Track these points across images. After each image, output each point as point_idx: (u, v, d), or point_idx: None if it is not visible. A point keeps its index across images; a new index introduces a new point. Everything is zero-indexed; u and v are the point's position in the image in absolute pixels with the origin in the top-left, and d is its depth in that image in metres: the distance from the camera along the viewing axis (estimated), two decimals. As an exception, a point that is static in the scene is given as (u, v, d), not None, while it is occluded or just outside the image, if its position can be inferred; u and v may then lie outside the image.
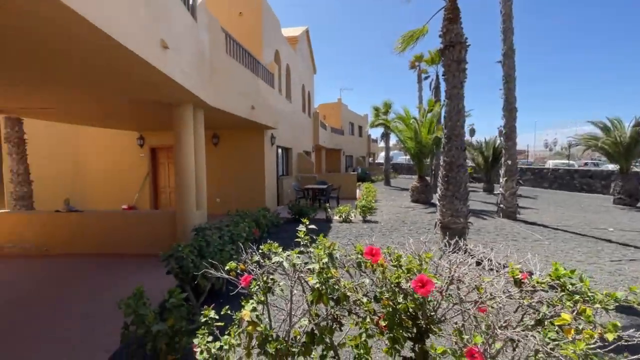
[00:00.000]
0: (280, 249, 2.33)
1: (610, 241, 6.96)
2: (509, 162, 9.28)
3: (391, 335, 2.08)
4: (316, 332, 2.20)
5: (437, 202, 5.69)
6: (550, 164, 26.92)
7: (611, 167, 20.28)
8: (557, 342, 1.43)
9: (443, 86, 5.68)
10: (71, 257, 5.66)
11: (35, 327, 3.26)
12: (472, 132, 32.02)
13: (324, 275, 2.10)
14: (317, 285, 2.04)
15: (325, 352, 2.22)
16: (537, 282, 1.90)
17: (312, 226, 2.31)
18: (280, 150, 12.35)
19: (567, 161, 26.01)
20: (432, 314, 2.06)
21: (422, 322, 2.10)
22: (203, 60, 5.38)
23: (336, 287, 2.12)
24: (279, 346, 2.12)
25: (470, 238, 7.00)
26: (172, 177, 10.08)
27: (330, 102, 28.29)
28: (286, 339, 2.19)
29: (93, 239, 5.91)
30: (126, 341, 2.25)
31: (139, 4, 3.18)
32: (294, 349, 2.18)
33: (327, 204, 9.33)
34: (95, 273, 4.95)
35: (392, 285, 2.13)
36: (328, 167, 25.25)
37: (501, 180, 9.50)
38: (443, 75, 5.56)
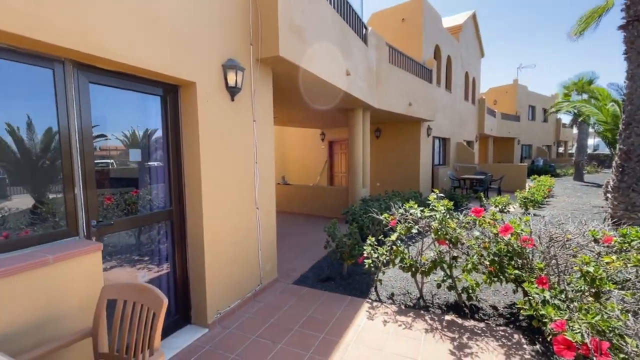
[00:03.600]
0: (416, 205, 3.63)
1: None
2: None
3: (494, 271, 3.04)
4: (437, 259, 3.39)
5: (609, 195, 5.24)
6: None
7: None
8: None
9: None
10: (286, 214, 8.73)
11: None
12: None
13: (443, 222, 3.27)
14: (437, 226, 3.24)
15: (445, 278, 3.41)
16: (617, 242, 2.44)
17: (441, 195, 3.50)
18: (437, 141, 12.88)
19: None
20: (520, 256, 2.89)
21: (515, 261, 2.96)
22: (371, 73, 7.03)
23: (451, 231, 3.26)
24: (411, 262, 3.46)
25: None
26: (344, 164, 12.64)
27: (503, 85, 25.11)
28: (417, 260, 3.51)
29: (298, 203, 8.84)
30: (327, 248, 4.15)
31: (337, 54, 5.05)
32: (422, 268, 3.46)
33: (482, 194, 9.37)
34: (302, 223, 7.64)
35: (493, 234, 3.08)
36: (497, 157, 22.90)
37: None
38: (624, 53, 5.00)
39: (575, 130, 22.98)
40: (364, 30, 6.66)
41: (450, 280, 3.35)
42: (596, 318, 1.53)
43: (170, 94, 2.92)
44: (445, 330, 2.97)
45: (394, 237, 3.46)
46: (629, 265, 1.97)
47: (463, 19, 15.11)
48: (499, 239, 2.96)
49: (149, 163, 2.95)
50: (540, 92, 26.90)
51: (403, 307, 3.44)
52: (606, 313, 1.53)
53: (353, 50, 5.91)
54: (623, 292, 1.76)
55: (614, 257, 2.10)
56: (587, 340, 1.54)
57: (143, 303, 1.66)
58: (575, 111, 12.11)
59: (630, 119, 4.89)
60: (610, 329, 1.48)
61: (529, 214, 8.19)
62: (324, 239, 4.62)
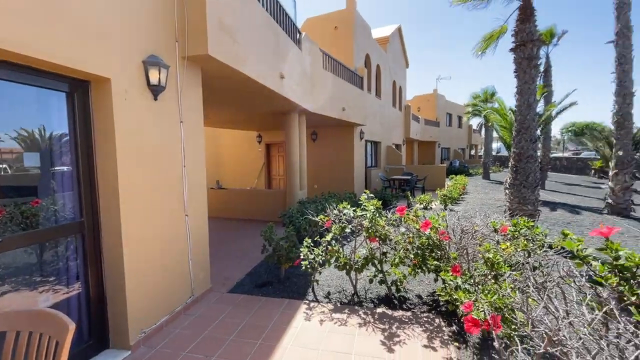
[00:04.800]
0: (349, 206, 3.78)
1: None
2: (621, 152, 8.39)
3: (417, 263, 3.31)
4: (369, 256, 3.58)
5: (506, 190, 6.16)
6: None
7: None
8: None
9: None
10: (222, 220, 8.35)
11: (210, 256, 5.56)
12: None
13: (373, 221, 3.46)
14: (368, 225, 3.42)
15: (376, 273, 3.61)
16: (512, 232, 2.86)
17: (371, 196, 3.69)
18: (369, 144, 13.66)
19: None
20: (438, 248, 3.21)
21: (436, 253, 3.26)
22: (306, 78, 7.15)
23: (380, 229, 3.47)
24: (345, 261, 3.59)
25: (552, 228, 7.03)
26: (281, 167, 12.60)
27: (425, 94, 27.80)
28: (351, 259, 3.66)
29: (234, 207, 8.52)
30: (264, 253, 4.09)
31: (270, 56, 5.02)
32: (356, 265, 3.62)
33: (408, 193, 10.23)
34: (239, 228, 7.38)
35: (416, 229, 3.35)
36: (421, 159, 25.17)
37: (610, 173, 8.66)
38: (514, 72, 5.96)
39: (482, 135, 26.53)
40: (298, 34, 6.76)
41: (381, 275, 3.58)
42: (494, 297, 1.81)
43: (79, 90, 2.58)
44: (377, 322, 3.16)
45: (329, 237, 3.58)
46: (518, 249, 2.36)
47: (390, 31, 16.33)
48: (421, 234, 3.27)
49: (55, 168, 2.57)
50: (455, 101, 30.42)
51: (339, 304, 3.57)
52: (501, 292, 1.82)
53: (287, 54, 5.95)
54: (515, 272, 2.11)
55: (508, 243, 2.50)
56: (487, 317, 1.80)
57: (43, 332, 1.43)
58: (483, 118, 13.99)
59: (520, 126, 5.85)
60: (504, 305, 1.75)
61: (447, 209, 9.19)
62: (261, 243, 4.54)
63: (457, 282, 2.39)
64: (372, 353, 2.67)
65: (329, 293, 3.84)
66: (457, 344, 2.74)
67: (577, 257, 1.65)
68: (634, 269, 1.46)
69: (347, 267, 3.58)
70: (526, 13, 5.75)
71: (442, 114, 27.91)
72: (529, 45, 5.67)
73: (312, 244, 3.83)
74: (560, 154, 30.63)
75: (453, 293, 2.29)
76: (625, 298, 1.42)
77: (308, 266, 3.61)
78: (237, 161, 13.35)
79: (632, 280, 1.44)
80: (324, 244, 3.63)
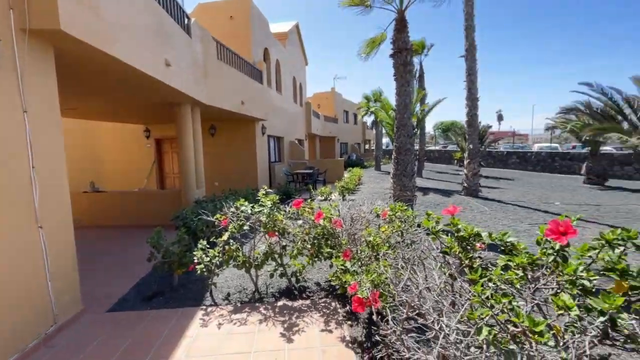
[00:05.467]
0: (246, 203, 3.69)
1: (547, 212, 8.27)
2: (471, 146, 10.52)
3: (313, 252, 3.43)
4: (268, 251, 3.57)
5: (391, 180, 7.02)
6: (536, 147, 27.91)
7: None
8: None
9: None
10: (100, 228, 7.09)
11: (87, 271, 4.69)
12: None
13: (271, 216, 3.46)
14: (265, 220, 3.40)
15: (276, 267, 3.63)
16: (393, 215, 3.23)
17: (270, 191, 3.67)
18: (272, 139, 13.64)
19: (549, 144, 27.06)
20: (333, 236, 3.41)
21: (331, 241, 3.45)
22: (197, 67, 6.63)
23: (278, 224, 3.49)
24: (244, 259, 3.50)
25: (425, 210, 8.36)
26: (175, 164, 11.46)
27: (324, 92, 29.28)
28: (250, 256, 3.59)
29: (118, 213, 7.35)
30: (152, 262, 3.65)
31: (151, 40, 4.44)
32: (255, 262, 3.56)
33: (311, 186, 10.67)
34: (122, 236, 6.39)
35: (311, 221, 3.47)
36: (323, 153, 26.50)
37: (465, 162, 10.77)
38: (394, 75, 6.78)
39: (374, 131, 29.54)
40: (186, 20, 6.19)
41: (281, 269, 3.63)
42: (373, 276, 2.04)
43: None
44: (278, 315, 3.20)
45: (225, 237, 3.42)
46: (394, 231, 2.72)
47: (288, 27, 16.52)
48: (317, 224, 3.43)
49: None
50: (351, 100, 32.99)
51: (239, 304, 3.47)
52: (378, 271, 2.06)
53: (174, 40, 5.40)
54: (391, 251, 2.43)
55: (386, 226, 2.85)
56: (369, 295, 2.01)
57: None
58: (373, 116, 15.56)
59: (399, 123, 6.73)
60: (381, 282, 2.00)
61: (345, 199, 9.94)
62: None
63: (345, 266, 2.61)
64: (272, 347, 2.69)
65: (228, 294, 3.69)
66: (349, 322, 2.99)
67: (432, 233, 1.99)
68: (469, 238, 1.85)
69: (247, 265, 3.50)
70: (401, 24, 6.58)
71: (340, 111, 29.92)
72: (404, 52, 6.52)
73: (207, 246, 3.60)
74: (433, 147, 36.59)
75: (342, 277, 2.49)
76: (463, 262, 1.79)
77: (204, 270, 3.38)
78: (121, 159, 11.55)
79: (468, 247, 1.82)
80: (220, 245, 3.46)
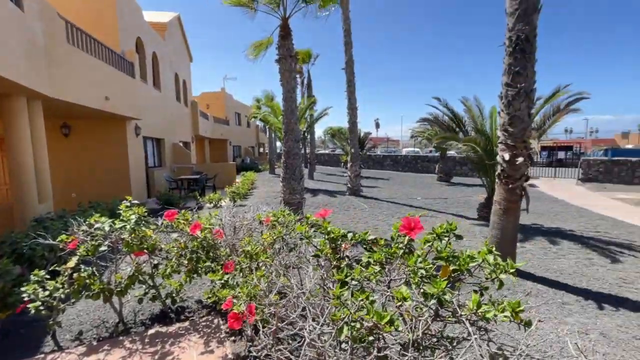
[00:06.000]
0: (103, 218, 3.09)
1: (411, 206, 9.79)
2: (352, 150, 11.63)
3: (192, 268, 3.10)
4: (135, 273, 3.06)
5: (281, 183, 7.08)
6: (404, 151, 32.95)
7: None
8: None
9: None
10: None
11: None
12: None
13: (136, 232, 2.97)
14: (128, 238, 2.90)
15: (146, 290, 3.14)
16: (275, 222, 3.19)
17: (135, 202, 3.15)
18: (149, 141, 12.05)
19: (413, 149, 32.51)
20: (214, 248, 3.16)
21: (212, 253, 3.18)
22: (36, 51, 5.26)
23: (147, 240, 3.02)
24: (101, 287, 2.91)
25: (314, 211, 8.79)
26: (7, 171, 8.85)
27: (213, 92, 27.70)
28: (110, 282, 3.00)
29: None
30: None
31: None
32: (118, 288, 3.00)
33: (197, 193, 9.87)
34: None
35: (188, 233, 3.13)
36: (214, 157, 24.98)
37: (349, 165, 11.82)
38: (280, 81, 6.88)
39: (267, 135, 29.59)
40: (15, -13, 4.83)
41: (153, 291, 3.16)
42: (249, 288, 1.96)
43: None
44: (148, 346, 2.77)
45: (72, 262, 2.77)
46: (275, 237, 2.71)
47: (168, 18, 14.92)
48: (195, 237, 3.12)
49: None
50: (243, 102, 32.20)
51: (95, 342, 2.86)
52: (253, 282, 1.99)
53: (-9, 10, 4.13)
54: (269, 259, 2.39)
55: (268, 233, 2.82)
56: (245, 308, 1.91)
57: None
58: (266, 118, 15.50)
59: (287, 128, 6.86)
60: (256, 293, 1.93)
61: (236, 205, 9.56)
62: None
63: (223, 280, 2.44)
64: (137, 386, 2.29)
65: (81, 332, 3.00)
66: (232, 338, 2.82)
67: (305, 238, 2.05)
68: (338, 240, 1.97)
69: (106, 293, 2.91)
70: (285, 31, 6.73)
71: (232, 113, 28.81)
72: (289, 59, 6.69)
73: (46, 277, 2.84)
74: (323, 151, 39.10)
75: (219, 293, 2.32)
76: (332, 263, 1.90)
77: (41, 308, 2.65)
78: None
79: (337, 248, 1.94)
80: (65, 273, 2.78)
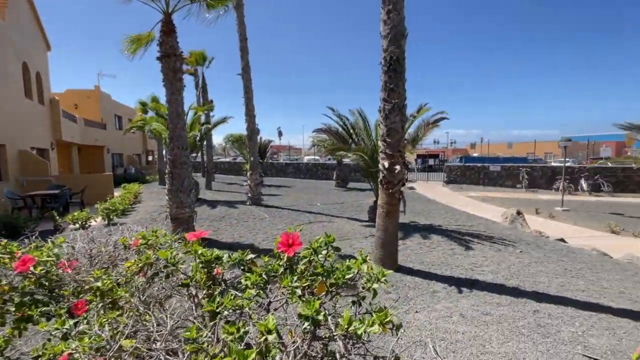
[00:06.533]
0: None
1: (311, 212, 10.02)
2: (252, 158, 11.30)
3: (24, 315, 2.32)
4: None
5: (167, 197, 6.27)
6: (306, 159, 34.14)
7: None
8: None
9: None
10: None
11: None
12: (257, 130, 35.96)
13: None
14: None
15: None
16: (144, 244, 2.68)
17: None
18: (-20, 148, 9.18)
19: (314, 157, 34.05)
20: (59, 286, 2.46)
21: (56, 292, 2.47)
22: None
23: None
24: None
25: (211, 224, 8.13)
26: None
27: (84, 89, 23.25)
28: None
29: None
30: None
31: None
32: None
33: (54, 212, 7.95)
34: None
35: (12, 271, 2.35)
36: (86, 167, 20.84)
37: (249, 174, 11.42)
38: (163, 81, 6.12)
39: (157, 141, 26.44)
40: None
41: (-44, 357, 2.25)
42: (91, 338, 1.53)
43: None
44: None
45: None
46: (139, 264, 2.26)
47: (9, -7, 11.79)
48: (27, 275, 2.37)
49: None
50: (126, 103, 28.00)
51: None
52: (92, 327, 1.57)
53: None
54: (128, 295, 1.96)
55: (132, 260, 2.34)
56: (85, 365, 1.47)
57: None
58: (150, 123, 13.69)
59: (172, 134, 6.13)
60: (100, 344, 1.53)
61: (111, 224, 8.06)
62: None
63: (65, 328, 1.88)
64: None
65: None
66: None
67: (171, 264, 1.73)
68: (212, 263, 1.74)
69: None
70: (168, 27, 6.05)
71: (110, 116, 24.68)
72: (173, 58, 6.02)
73: None
74: (225, 159, 37.19)
75: (50, 350, 1.77)
76: (204, 290, 1.65)
77: None
78: None
79: (209, 273, 1.70)
80: None
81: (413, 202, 13.11)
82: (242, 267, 1.78)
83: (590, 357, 2.79)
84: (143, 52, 7.04)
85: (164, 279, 2.32)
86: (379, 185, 4.82)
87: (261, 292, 1.63)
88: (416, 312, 3.54)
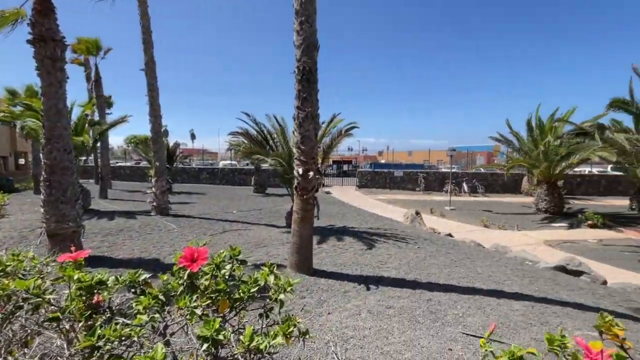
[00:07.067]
0: None
1: (226, 220, 9.54)
2: (157, 163, 10.22)
3: None
4: None
5: (42, 209, 5.18)
6: (221, 164, 32.56)
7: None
8: None
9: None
10: None
11: None
12: (166, 132, 32.37)
13: None
14: None
15: None
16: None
17: None
18: None
19: (230, 161, 32.75)
20: None
21: None
22: None
23: None
24: None
25: (104, 239, 7.03)
26: None
27: None
28: None
29: None
30: None
31: None
32: None
33: None
34: None
35: None
36: None
37: (153, 180, 10.28)
38: (37, 70, 5.07)
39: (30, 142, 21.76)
40: None
41: None
42: None
43: None
44: None
45: None
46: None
47: None
48: None
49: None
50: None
51: None
52: None
53: None
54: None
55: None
56: None
57: None
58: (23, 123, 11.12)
59: (50, 134, 5.10)
60: None
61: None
62: None
63: None
64: None
65: None
66: None
67: (35, 296, 1.42)
68: (93, 289, 1.49)
69: None
70: (43, 5, 5.04)
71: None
72: (52, 43, 5.04)
73: None
74: (124, 163, 32.69)
75: None
76: (81, 322, 1.40)
77: None
78: None
79: (89, 301, 1.45)
80: None
81: (329, 206, 13.71)
82: (132, 291, 1.57)
83: (468, 334, 3.32)
84: (10, 31, 5.72)
85: (30, 313, 1.90)
86: (294, 191, 4.89)
87: (157, 315, 1.47)
88: (329, 313, 3.68)
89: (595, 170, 25.57)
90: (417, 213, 10.75)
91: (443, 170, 29.56)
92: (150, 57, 9.84)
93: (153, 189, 10.21)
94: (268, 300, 1.60)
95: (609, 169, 23.92)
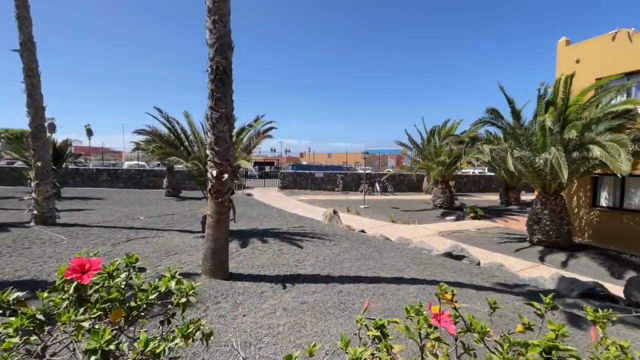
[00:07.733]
0: None
1: (132, 228, 8.56)
2: (39, 164, 8.60)
3: None
4: None
5: None
6: (126, 165, 29.04)
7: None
8: None
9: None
10: None
11: None
12: (53, 127, 26.90)
13: None
14: None
15: None
16: None
17: None
18: None
19: (137, 162, 29.43)
20: None
21: None
22: None
23: None
24: None
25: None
26: None
27: None
28: None
29: None
30: None
31: None
32: None
33: None
34: None
35: None
36: None
37: (33, 184, 8.61)
38: None
39: None
40: None
41: None
42: None
43: None
44: None
45: None
46: None
47: None
48: None
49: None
50: None
51: None
52: None
53: None
54: None
55: None
56: None
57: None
58: None
59: None
60: None
61: None
62: None
63: None
64: None
65: None
66: None
67: None
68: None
69: None
70: None
71: None
72: None
73: None
74: (-10, 163, 26.28)
75: None
76: None
77: None
78: None
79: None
80: None
81: (251, 208, 13.47)
82: (0, 313, 1.37)
83: (371, 319, 3.72)
84: None
85: None
86: (208, 195, 4.73)
87: (32, 337, 1.32)
88: (244, 315, 3.69)
89: (477, 171, 30.83)
90: (335, 212, 11.38)
91: (359, 171, 31.84)
92: (28, 36, 8.21)
93: (33, 194, 8.54)
94: (170, 305, 1.58)
95: (486, 170, 29.10)
